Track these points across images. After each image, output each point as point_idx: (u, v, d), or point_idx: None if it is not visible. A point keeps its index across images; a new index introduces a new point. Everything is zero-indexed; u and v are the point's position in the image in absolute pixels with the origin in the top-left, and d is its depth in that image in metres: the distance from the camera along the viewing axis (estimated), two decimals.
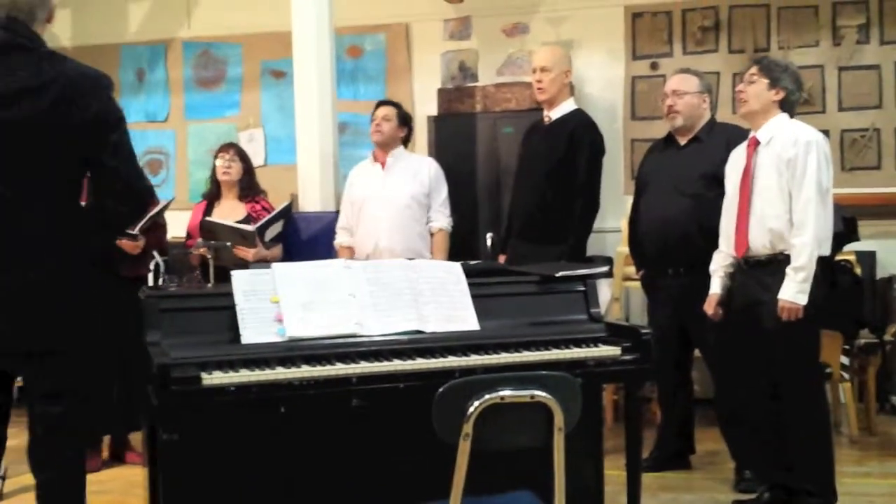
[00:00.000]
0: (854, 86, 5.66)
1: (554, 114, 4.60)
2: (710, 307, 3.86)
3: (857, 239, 4.25)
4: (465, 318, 2.94)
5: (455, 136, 5.66)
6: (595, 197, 4.53)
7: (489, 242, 4.78)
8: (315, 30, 5.10)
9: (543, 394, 2.09)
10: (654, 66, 5.90)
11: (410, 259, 3.35)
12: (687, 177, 4.18)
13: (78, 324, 2.65)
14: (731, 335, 3.78)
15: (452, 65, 6.15)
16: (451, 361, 2.76)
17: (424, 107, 5.99)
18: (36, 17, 2.64)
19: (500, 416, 2.09)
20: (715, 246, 3.88)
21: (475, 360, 2.78)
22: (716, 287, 3.85)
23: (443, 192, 4.78)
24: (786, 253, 3.53)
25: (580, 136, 4.48)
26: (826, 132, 5.40)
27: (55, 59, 2.63)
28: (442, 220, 4.76)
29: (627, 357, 2.89)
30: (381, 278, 2.95)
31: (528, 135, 4.80)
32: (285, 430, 2.79)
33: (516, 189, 4.74)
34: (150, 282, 4.00)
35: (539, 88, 4.59)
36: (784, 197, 3.57)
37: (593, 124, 4.60)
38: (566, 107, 4.61)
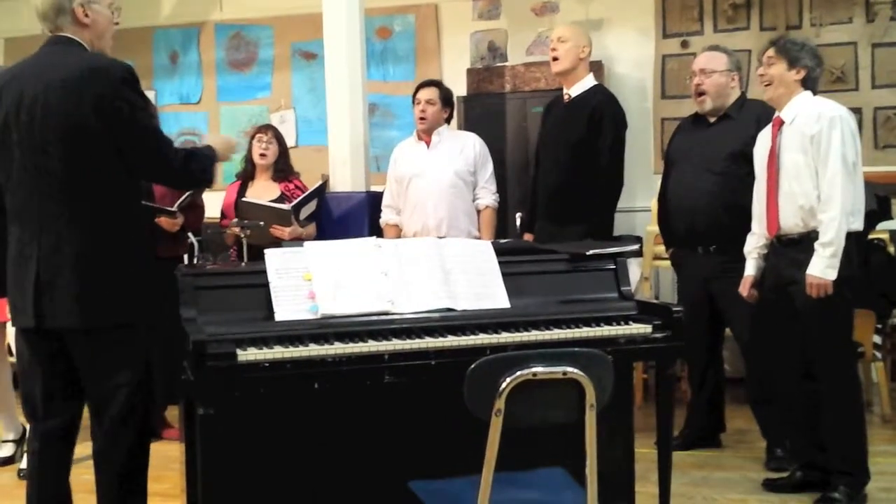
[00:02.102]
0: (888, 63, 5.59)
1: (573, 91, 4.58)
2: (744, 289, 3.85)
3: (890, 217, 4.22)
4: (495, 296, 2.95)
5: (484, 116, 5.67)
6: (619, 174, 4.51)
7: (518, 222, 4.80)
8: (345, 11, 5.11)
9: (575, 370, 2.10)
10: (684, 45, 5.85)
11: (454, 237, 3.37)
12: (716, 154, 4.16)
13: (134, 300, 2.77)
14: (763, 314, 3.78)
15: (482, 45, 6.15)
16: (482, 339, 2.78)
17: (454, 87, 5.93)
18: (57, 18, 2.77)
19: (531, 393, 2.10)
20: (744, 224, 3.87)
21: (506, 337, 2.79)
22: (750, 269, 3.85)
23: (488, 168, 4.75)
24: (818, 230, 3.52)
25: (602, 112, 4.45)
26: (858, 110, 5.37)
27: (79, 57, 2.74)
28: (488, 197, 4.73)
29: (658, 335, 2.89)
30: (412, 256, 2.98)
31: (548, 113, 4.78)
32: (318, 406, 2.83)
33: (538, 169, 4.73)
34: (186, 261, 4.06)
35: (554, 58, 4.56)
36: (811, 174, 3.55)
37: (614, 100, 4.57)
38: (586, 83, 4.58)
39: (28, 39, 6.19)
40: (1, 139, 2.73)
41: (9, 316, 2.88)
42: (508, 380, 2.07)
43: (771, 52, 3.71)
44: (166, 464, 3.30)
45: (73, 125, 2.65)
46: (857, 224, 3.53)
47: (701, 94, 4.23)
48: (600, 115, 4.45)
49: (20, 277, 2.71)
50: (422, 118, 4.70)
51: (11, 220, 2.76)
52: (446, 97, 4.77)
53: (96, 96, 2.66)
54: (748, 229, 3.88)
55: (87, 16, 2.79)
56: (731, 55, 4.31)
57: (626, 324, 2.93)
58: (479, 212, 4.74)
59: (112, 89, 2.69)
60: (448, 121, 4.84)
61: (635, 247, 3.34)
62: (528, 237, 4.65)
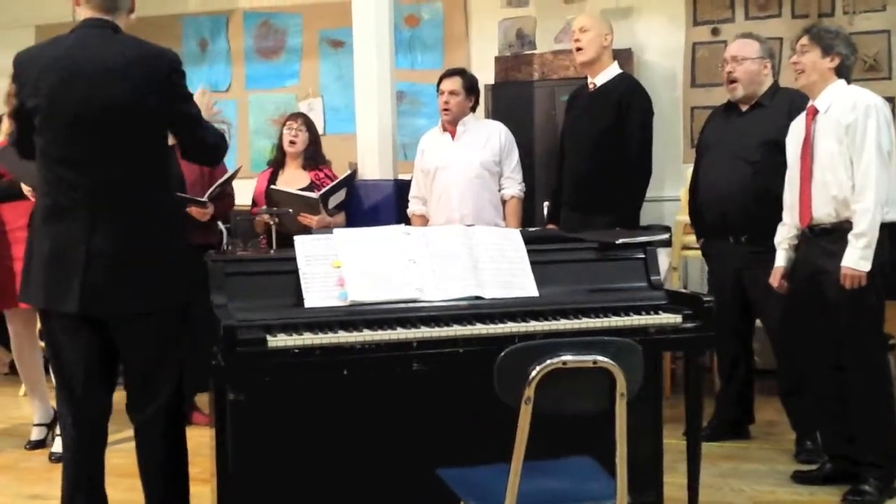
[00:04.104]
0: None
1: (598, 79, 4.55)
2: (775, 280, 3.82)
3: None
4: (523, 285, 2.95)
5: (512, 104, 5.64)
6: (648, 163, 4.48)
7: (545, 211, 4.78)
8: None
9: (606, 359, 2.09)
10: (715, 32, 5.80)
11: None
12: (748, 143, 4.12)
13: (180, 284, 2.81)
14: (794, 304, 3.74)
15: (510, 32, 6.13)
16: (511, 327, 2.78)
17: (481, 75, 5.91)
18: (119, 7, 2.80)
19: (561, 381, 2.10)
20: (776, 213, 3.84)
21: (534, 326, 2.79)
22: (781, 260, 3.82)
23: (514, 158, 4.71)
24: (851, 220, 3.48)
25: (629, 100, 4.43)
26: (892, 99, 5.28)
27: (130, 41, 2.77)
28: (514, 187, 4.70)
29: (688, 325, 2.87)
30: (441, 244, 2.98)
31: (572, 102, 4.75)
32: (347, 392, 2.85)
33: (563, 158, 4.70)
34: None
35: (578, 49, 4.53)
36: (846, 163, 3.51)
37: (641, 88, 4.54)
38: (610, 72, 4.55)
39: (58, 27, 6.21)
40: (47, 122, 2.71)
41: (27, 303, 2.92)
42: (538, 368, 2.07)
43: (804, 39, 3.67)
44: (197, 449, 3.32)
45: (129, 108, 2.68)
46: (892, 215, 3.50)
47: (732, 81, 4.18)
48: (627, 103, 4.43)
49: (63, 266, 2.70)
50: (445, 109, 4.67)
51: (48, 213, 2.74)
52: (470, 85, 4.73)
53: (152, 80, 2.71)
54: (780, 219, 3.85)
55: (133, 8, 2.86)
56: (763, 42, 4.26)
57: (656, 313, 2.91)
58: (504, 202, 4.71)
59: (167, 74, 2.75)
60: (473, 109, 4.80)
61: (665, 236, 3.32)
62: (551, 227, 4.63)
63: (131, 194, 2.73)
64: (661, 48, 5.86)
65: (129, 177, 2.73)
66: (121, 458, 3.36)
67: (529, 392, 2.07)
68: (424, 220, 4.77)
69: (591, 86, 4.60)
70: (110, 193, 2.71)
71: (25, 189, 4.04)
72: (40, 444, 4.47)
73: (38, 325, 4.15)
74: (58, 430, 4.22)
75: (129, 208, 2.73)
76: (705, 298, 2.89)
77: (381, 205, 5.10)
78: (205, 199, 4.43)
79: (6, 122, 4.15)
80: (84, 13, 2.78)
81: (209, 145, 2.95)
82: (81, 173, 2.69)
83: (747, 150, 4.11)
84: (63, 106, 2.67)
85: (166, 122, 2.80)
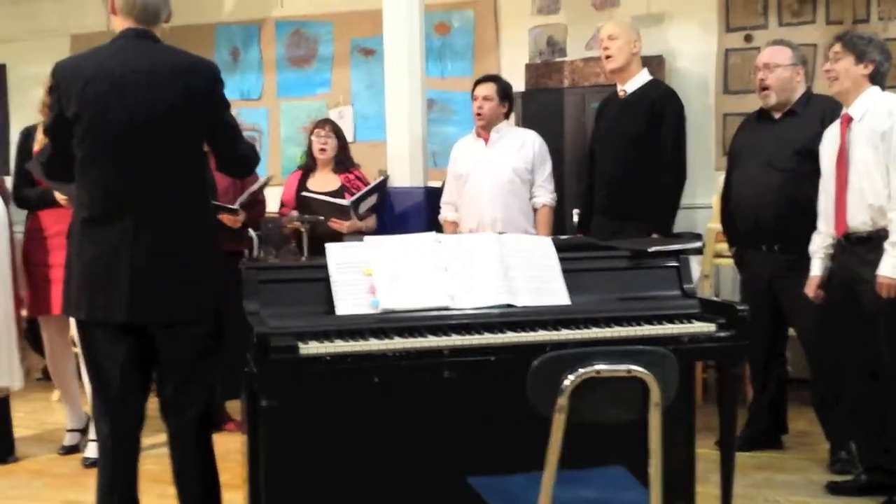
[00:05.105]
0: None
1: (629, 86, 4.53)
2: (811, 289, 3.79)
3: None
4: (555, 292, 2.94)
5: (542, 112, 5.62)
6: (682, 169, 4.45)
7: (575, 218, 4.76)
8: (405, 8, 5.11)
9: (640, 368, 2.08)
10: (748, 39, 5.75)
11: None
12: (781, 151, 4.09)
13: (218, 291, 2.85)
14: (830, 313, 3.70)
15: (540, 40, 6.12)
16: (542, 335, 2.76)
17: (512, 82, 5.93)
18: (160, 19, 2.84)
19: (595, 391, 2.09)
20: (809, 221, 3.81)
21: (566, 334, 2.77)
22: (816, 269, 3.78)
23: (546, 167, 4.70)
24: (887, 229, 3.44)
25: (662, 107, 4.41)
26: None
27: (172, 50, 2.82)
28: (545, 195, 4.67)
29: (723, 334, 2.84)
30: (472, 252, 2.97)
31: (602, 110, 4.73)
32: (378, 400, 2.84)
33: (593, 166, 4.68)
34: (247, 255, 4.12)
35: (608, 56, 4.52)
36: (882, 171, 3.48)
37: (674, 94, 4.52)
38: (641, 78, 4.54)
39: (94, 36, 6.33)
40: (91, 131, 2.72)
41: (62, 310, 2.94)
42: (572, 377, 2.06)
43: (837, 46, 3.64)
44: (227, 455, 3.34)
45: (174, 116, 2.71)
46: None
47: (765, 88, 4.16)
48: (661, 110, 4.41)
49: (106, 275, 2.73)
50: (479, 114, 4.67)
51: (90, 223, 2.76)
52: (504, 92, 4.72)
53: (197, 89, 2.75)
54: (813, 227, 3.81)
55: (169, 18, 2.89)
56: (796, 49, 4.23)
57: (690, 322, 2.88)
58: (535, 210, 4.70)
59: (210, 84, 2.80)
60: (507, 115, 4.80)
61: (698, 244, 3.29)
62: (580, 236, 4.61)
63: (173, 201, 2.76)
64: (692, 55, 5.82)
65: (171, 184, 2.76)
66: (153, 465, 3.38)
67: (563, 401, 2.06)
68: (456, 226, 4.76)
69: (621, 93, 4.58)
70: (153, 200, 2.73)
71: (60, 198, 4.08)
72: (73, 450, 4.51)
73: (72, 330, 4.20)
74: (90, 436, 4.27)
75: (172, 215, 2.76)
76: (739, 307, 2.86)
77: (411, 212, 5.11)
78: (236, 206, 4.46)
79: (41, 131, 4.20)
80: (122, 24, 2.81)
81: (244, 156, 2.99)
82: (125, 181, 2.72)
83: (780, 157, 4.08)
84: (109, 114, 2.70)
85: (207, 130, 2.83)
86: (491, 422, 2.90)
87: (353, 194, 4.73)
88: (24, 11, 7.16)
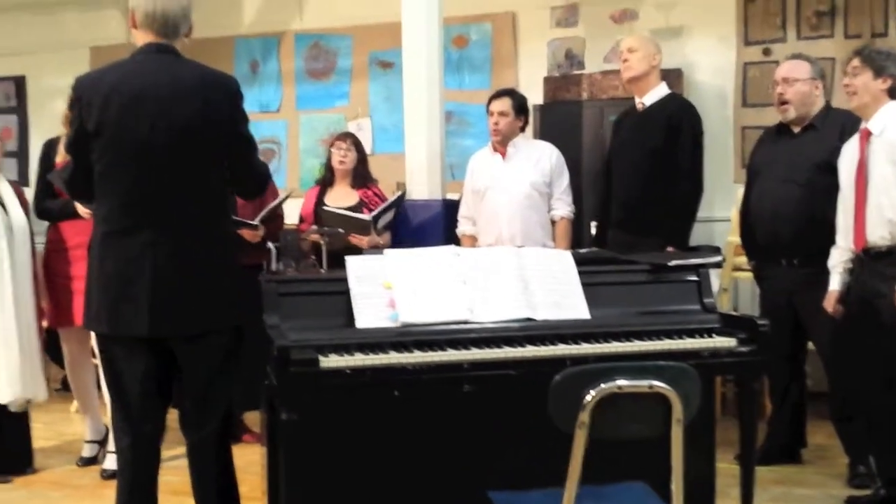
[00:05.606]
0: None
1: (647, 99, 4.53)
2: (829, 304, 3.77)
3: None
4: (575, 306, 2.94)
5: (560, 125, 5.62)
6: (699, 183, 4.44)
7: (593, 231, 4.75)
8: (424, 21, 5.13)
9: (662, 384, 2.07)
10: (766, 52, 5.74)
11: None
12: (800, 165, 4.07)
13: (233, 304, 2.86)
14: (848, 328, 3.69)
15: (559, 52, 6.13)
16: (562, 349, 2.77)
17: (529, 95, 5.87)
18: (180, 32, 2.85)
19: (616, 406, 2.08)
20: (829, 236, 3.80)
21: (586, 348, 2.77)
22: (835, 284, 3.77)
23: (564, 179, 4.69)
24: None
25: (679, 120, 4.40)
26: None
27: (193, 65, 2.83)
28: (563, 208, 4.67)
29: (743, 349, 2.84)
30: (492, 265, 2.98)
31: (620, 122, 4.73)
32: (398, 413, 2.85)
33: (610, 180, 4.67)
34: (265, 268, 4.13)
35: (627, 67, 4.52)
36: None
37: (692, 107, 4.52)
38: (659, 91, 4.53)
39: (113, 48, 6.38)
40: (112, 144, 2.74)
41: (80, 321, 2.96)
42: (593, 393, 2.06)
43: (856, 61, 3.64)
44: (246, 466, 3.35)
45: (196, 130, 2.73)
46: None
47: (784, 103, 4.15)
48: (678, 122, 4.40)
49: (128, 288, 2.74)
50: (495, 130, 4.67)
51: (110, 236, 2.78)
52: (520, 105, 4.73)
53: (218, 103, 2.77)
54: (832, 241, 3.80)
55: (190, 31, 2.90)
56: (815, 63, 4.22)
57: (710, 336, 2.88)
58: (554, 223, 4.69)
59: (231, 98, 2.81)
60: (523, 129, 4.80)
61: (718, 258, 3.28)
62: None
63: (193, 214, 2.78)
64: (711, 68, 5.82)
65: (191, 197, 2.77)
66: (173, 476, 3.40)
67: (584, 417, 2.06)
68: (474, 240, 4.76)
69: (639, 106, 4.58)
70: (173, 213, 2.75)
71: (82, 211, 4.11)
72: (92, 461, 4.52)
73: (92, 341, 4.23)
74: (109, 447, 4.28)
75: (191, 228, 2.77)
76: (760, 322, 2.86)
77: (429, 224, 5.11)
78: (256, 221, 4.49)
79: (64, 143, 4.23)
80: (143, 38, 2.83)
81: (258, 174, 3.01)
82: (145, 195, 2.74)
83: (799, 172, 4.07)
84: (130, 128, 2.71)
85: (225, 144, 2.83)
86: (511, 435, 2.90)
87: (371, 210, 4.75)
88: (44, 23, 7.23)
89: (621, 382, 2.06)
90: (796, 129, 4.18)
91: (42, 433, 4.81)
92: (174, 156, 2.73)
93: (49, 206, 4.38)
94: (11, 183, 4.42)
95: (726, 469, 3.44)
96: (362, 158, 4.98)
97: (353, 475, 2.87)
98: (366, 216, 4.64)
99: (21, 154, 7.45)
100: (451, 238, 4.86)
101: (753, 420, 3.00)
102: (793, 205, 4.04)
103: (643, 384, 2.07)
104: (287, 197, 4.77)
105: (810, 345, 4.26)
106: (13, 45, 7.23)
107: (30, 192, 4.52)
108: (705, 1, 5.81)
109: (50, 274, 4.38)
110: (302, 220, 4.98)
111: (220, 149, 2.81)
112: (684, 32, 5.80)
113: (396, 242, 4.83)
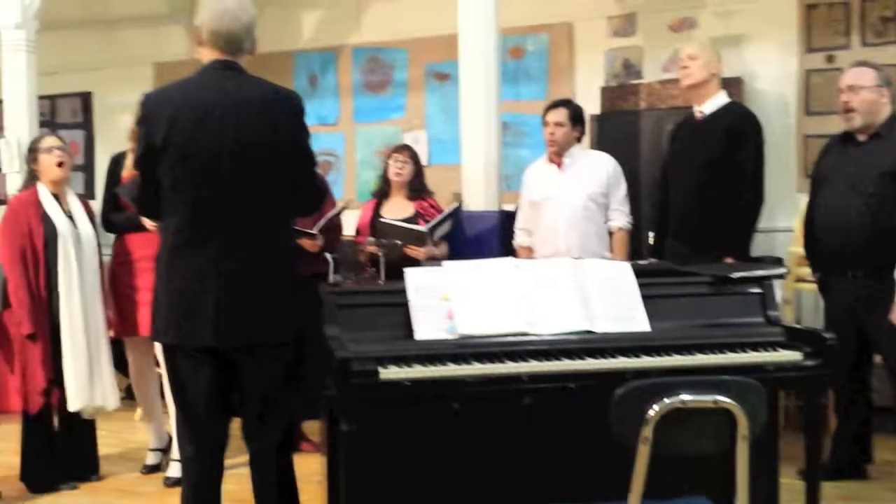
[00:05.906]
0: None
1: (706, 108, 4.46)
2: (895, 317, 3.69)
3: None
4: (635, 319, 2.91)
5: (618, 135, 5.59)
6: (761, 193, 4.36)
7: (651, 241, 4.70)
8: (481, 32, 5.14)
9: (726, 399, 2.04)
10: (829, 59, 5.63)
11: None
12: (866, 175, 4.00)
13: (293, 318, 2.88)
14: None
15: (616, 62, 6.10)
16: (623, 362, 2.74)
17: (587, 105, 5.87)
18: (244, 49, 2.89)
19: (679, 421, 2.06)
20: (895, 246, 3.70)
21: (647, 361, 2.75)
22: None
23: (621, 190, 4.65)
24: None
25: (740, 128, 4.32)
26: None
27: (258, 80, 2.88)
28: (621, 219, 4.63)
29: (809, 363, 2.79)
30: (551, 278, 2.97)
31: (678, 131, 4.67)
32: (458, 425, 2.84)
33: (667, 190, 4.61)
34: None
35: (687, 74, 4.46)
36: None
37: (753, 116, 4.44)
38: (719, 100, 4.46)
39: (177, 65, 6.51)
40: (182, 158, 2.77)
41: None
42: (656, 408, 2.03)
43: None
44: (305, 476, 3.38)
45: (263, 144, 2.78)
46: None
47: (849, 111, 4.07)
48: (739, 131, 4.33)
49: (195, 300, 2.78)
50: (551, 141, 4.65)
51: (179, 249, 2.81)
52: (576, 115, 4.70)
53: (283, 119, 2.82)
54: None
55: (253, 48, 2.94)
56: (880, 70, 4.14)
57: (775, 350, 2.83)
58: (611, 234, 4.65)
59: (295, 113, 2.86)
60: (579, 139, 4.77)
61: (782, 270, 3.24)
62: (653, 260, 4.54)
63: (259, 227, 2.82)
64: (772, 76, 5.73)
65: (257, 211, 2.81)
66: (234, 485, 3.43)
67: (647, 432, 2.04)
68: (530, 252, 4.74)
69: (698, 114, 4.52)
70: (240, 227, 2.79)
71: (147, 224, 4.19)
72: (155, 469, 4.60)
73: (156, 351, 4.30)
74: (173, 455, 4.35)
75: (258, 241, 2.81)
76: (826, 336, 2.80)
77: (485, 235, 5.10)
78: (315, 231, 4.53)
79: (130, 158, 4.33)
80: (209, 55, 2.87)
81: (316, 188, 3.08)
82: (213, 208, 2.78)
83: (865, 181, 3.99)
84: (197, 144, 2.75)
85: (291, 159, 2.86)
86: (571, 448, 2.88)
87: (427, 221, 4.76)
88: (108, 40, 7.39)
89: (685, 397, 2.04)
90: (862, 138, 4.10)
91: (106, 440, 4.89)
92: (240, 170, 2.77)
93: (115, 219, 4.49)
94: (79, 196, 4.53)
95: (790, 484, 3.37)
96: (419, 170, 5.01)
97: (411, 487, 2.88)
98: (422, 227, 4.66)
99: (87, 168, 7.64)
100: (507, 249, 4.85)
101: (818, 435, 2.95)
102: (858, 215, 3.97)
103: (707, 399, 2.04)
104: (345, 207, 4.81)
105: (876, 358, 4.16)
106: (79, 62, 7.41)
107: (96, 206, 4.63)
108: (766, 8, 5.73)
109: (115, 285, 4.48)
110: (358, 232, 5.01)
111: (285, 163, 2.84)
112: (744, 40, 5.72)
113: (452, 253, 4.84)
